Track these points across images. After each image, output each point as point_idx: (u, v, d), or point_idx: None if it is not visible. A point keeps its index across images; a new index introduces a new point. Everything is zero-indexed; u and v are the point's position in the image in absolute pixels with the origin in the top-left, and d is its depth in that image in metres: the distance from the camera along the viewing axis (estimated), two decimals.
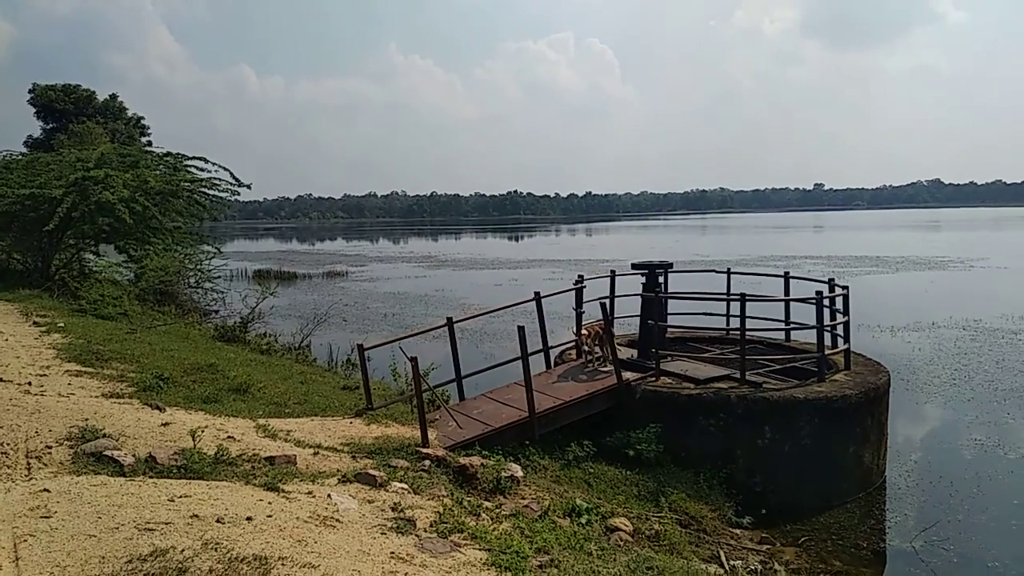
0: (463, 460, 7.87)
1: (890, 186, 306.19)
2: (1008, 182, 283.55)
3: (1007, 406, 14.04)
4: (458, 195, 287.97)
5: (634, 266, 11.57)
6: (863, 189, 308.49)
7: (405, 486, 6.75)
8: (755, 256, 50.74)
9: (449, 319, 10.61)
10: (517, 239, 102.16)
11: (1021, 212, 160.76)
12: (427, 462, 7.75)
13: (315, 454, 7.55)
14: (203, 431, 6.87)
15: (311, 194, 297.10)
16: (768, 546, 8.64)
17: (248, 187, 25.60)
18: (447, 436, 8.89)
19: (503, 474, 7.84)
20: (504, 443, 9.03)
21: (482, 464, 7.96)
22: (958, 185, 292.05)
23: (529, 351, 9.60)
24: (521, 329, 9.43)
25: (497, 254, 64.84)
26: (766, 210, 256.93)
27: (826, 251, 55.76)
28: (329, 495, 5.98)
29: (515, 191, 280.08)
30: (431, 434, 8.62)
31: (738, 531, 9.02)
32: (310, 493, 6.01)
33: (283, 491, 5.91)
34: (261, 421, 8.62)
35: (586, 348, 11.14)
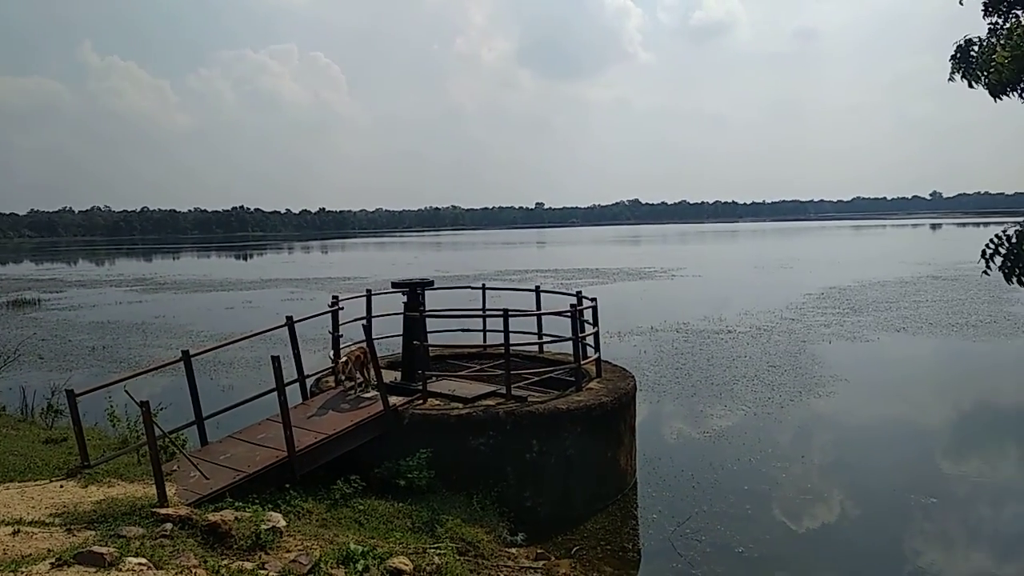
0: (213, 517, 6.71)
1: (599, 205, 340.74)
2: (691, 202, 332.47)
3: (723, 398, 15.83)
4: (175, 211, 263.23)
5: (394, 284, 11.05)
6: (577, 207, 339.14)
7: (143, 561, 5.52)
8: (491, 271, 52.85)
9: (185, 352, 9.19)
10: (246, 258, 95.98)
11: (700, 228, 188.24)
12: (168, 525, 6.49)
13: (15, 534, 5.95)
14: None
15: None
16: (544, 561, 8.58)
17: None
18: (190, 490, 7.60)
19: (262, 527, 6.82)
20: (261, 490, 7.97)
21: (236, 518, 6.86)
22: (652, 204, 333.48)
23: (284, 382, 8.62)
24: (276, 359, 8.43)
25: (226, 274, 60.11)
26: (495, 227, 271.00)
27: (552, 265, 59.91)
28: None
29: (242, 207, 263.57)
30: (170, 490, 7.30)
31: (514, 550, 8.87)
32: None
33: None
34: None
35: (344, 376, 10.34)
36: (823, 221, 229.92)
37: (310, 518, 7.94)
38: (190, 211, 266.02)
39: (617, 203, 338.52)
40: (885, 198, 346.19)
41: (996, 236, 5.87)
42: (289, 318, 10.19)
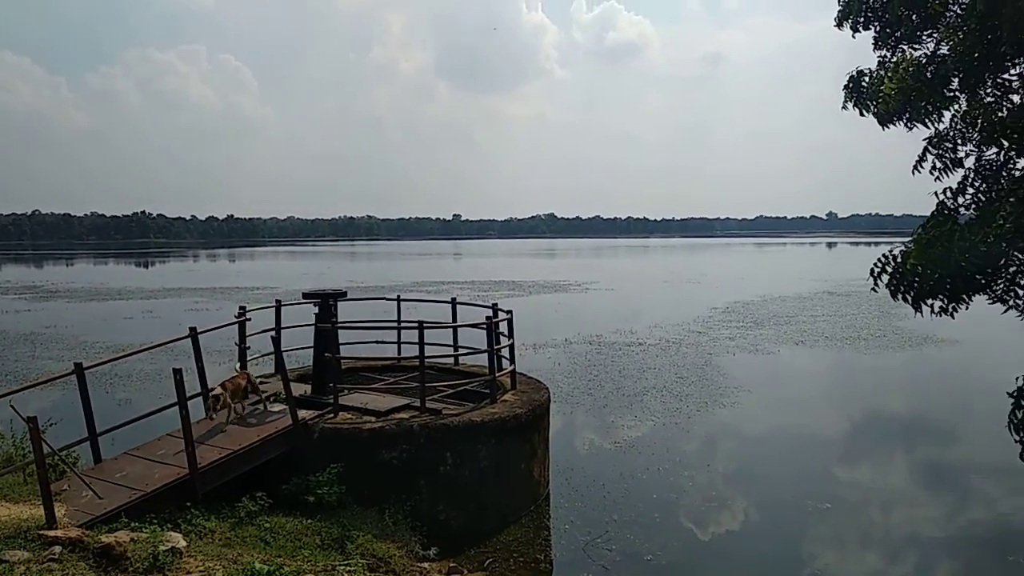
0: (106, 539, 6.34)
1: (516, 218, 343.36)
2: (605, 217, 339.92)
3: (634, 409, 16.20)
4: (69, 215, 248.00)
5: (305, 295, 10.80)
6: (494, 220, 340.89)
7: None
8: (407, 282, 52.39)
9: (78, 365, 8.66)
10: (148, 266, 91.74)
11: (613, 242, 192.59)
12: (57, 548, 6.09)
13: None
14: None
15: None
16: (456, 575, 8.53)
17: None
18: (82, 510, 7.16)
19: (161, 548, 6.49)
20: (159, 509, 7.59)
21: (132, 540, 6.52)
22: (568, 219, 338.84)
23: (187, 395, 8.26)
24: (178, 372, 8.06)
25: (125, 283, 57.21)
26: (411, 238, 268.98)
27: (468, 277, 59.93)
28: None
29: (144, 212, 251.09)
30: (59, 510, 6.85)
31: (426, 564, 8.76)
32: None
33: None
34: None
35: (215, 411, 9.37)
36: (729, 238, 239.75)
37: (213, 537, 7.61)
38: (87, 215, 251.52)
39: (534, 216, 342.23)
40: (785, 217, 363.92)
41: (883, 255, 6.26)
42: (192, 329, 9.77)
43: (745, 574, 9.23)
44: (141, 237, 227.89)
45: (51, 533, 6.31)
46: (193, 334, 9.73)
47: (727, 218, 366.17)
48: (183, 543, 6.77)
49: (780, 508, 11.07)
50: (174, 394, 8.17)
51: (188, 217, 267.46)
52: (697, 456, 13.33)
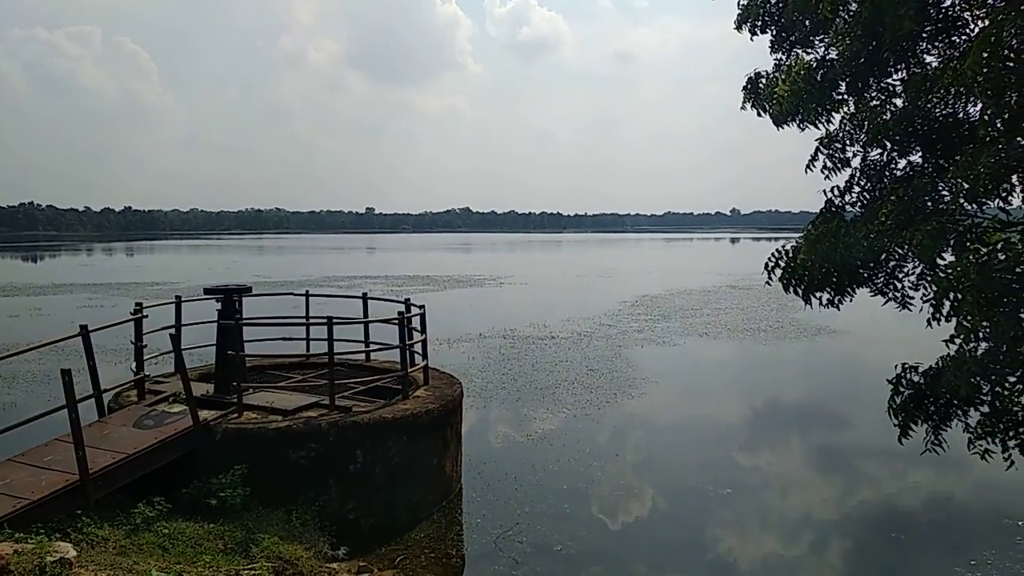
0: None
1: (431, 212, 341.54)
2: (520, 212, 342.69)
3: (546, 402, 16.41)
4: None
5: (207, 291, 10.37)
6: (409, 214, 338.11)
7: None
8: (318, 277, 51.25)
9: None
10: (36, 260, 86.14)
11: (527, 237, 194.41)
12: None
13: None
14: None
15: None
16: (367, 574, 8.43)
17: None
18: None
19: (48, 559, 6.12)
20: (47, 518, 7.14)
21: (15, 552, 6.12)
22: (483, 213, 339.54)
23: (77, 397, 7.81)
24: (66, 372, 7.60)
25: (10, 278, 53.47)
26: (322, 231, 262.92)
27: (382, 271, 59.15)
28: None
29: (31, 203, 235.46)
30: None
31: (335, 565, 8.60)
32: None
33: None
34: None
35: None
36: (639, 233, 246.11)
37: (106, 546, 7.22)
38: None
39: (448, 211, 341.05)
40: (692, 213, 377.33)
41: (776, 251, 6.56)
42: (83, 327, 9.21)
43: (652, 560, 9.50)
44: (29, 229, 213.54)
45: None
46: (84, 332, 9.17)
47: (637, 214, 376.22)
48: (73, 553, 6.40)
49: (685, 495, 11.46)
50: (63, 396, 7.71)
51: (81, 208, 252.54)
52: (607, 446, 13.63)
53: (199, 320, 11.71)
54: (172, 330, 10.34)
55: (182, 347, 9.63)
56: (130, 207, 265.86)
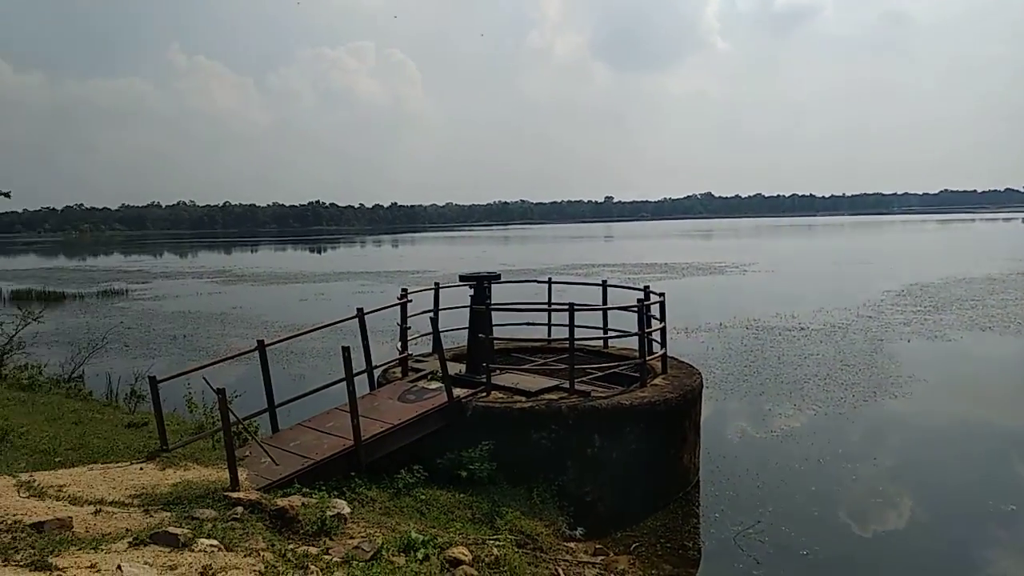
0: (281, 502, 6.97)
1: (670, 199, 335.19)
2: (766, 195, 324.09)
3: (793, 398, 15.41)
4: (254, 205, 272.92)
5: (462, 278, 11.17)
6: (647, 201, 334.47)
7: (215, 542, 5.78)
8: (558, 265, 52.80)
9: (261, 342, 9.54)
10: (320, 251, 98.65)
11: (775, 222, 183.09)
12: (239, 509, 6.77)
13: (97, 513, 6.31)
14: None
15: (82, 204, 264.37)
16: (603, 556, 8.58)
17: (7, 195, 21.83)
18: (261, 475, 7.90)
19: (328, 513, 7.04)
20: (327, 477, 8.21)
21: (303, 504, 7.11)
22: (726, 198, 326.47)
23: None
24: (346, 349, 8.65)
25: (300, 267, 61.97)
26: (563, 221, 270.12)
27: (620, 259, 59.35)
28: (119, 566, 4.92)
29: (317, 202, 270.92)
30: (241, 474, 7.60)
31: (573, 544, 8.89)
32: (93, 567, 4.91)
33: (57, 568, 4.77)
34: (24, 476, 7.13)
35: None
36: (906, 215, 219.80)
37: (373, 506, 8.14)
38: (269, 206, 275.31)
39: (689, 196, 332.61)
40: (975, 191, 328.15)
41: None
42: (360, 310, 10.43)
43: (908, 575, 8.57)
44: (315, 224, 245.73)
45: (234, 495, 7.01)
46: (360, 315, 10.39)
47: (906, 193, 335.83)
48: (347, 510, 7.31)
49: (953, 508, 10.16)
50: (342, 370, 8.78)
51: (357, 205, 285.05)
52: (862, 449, 12.47)
53: (454, 305, 12.63)
54: (431, 314, 11.30)
55: (439, 330, 10.47)
56: (396, 203, 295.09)
